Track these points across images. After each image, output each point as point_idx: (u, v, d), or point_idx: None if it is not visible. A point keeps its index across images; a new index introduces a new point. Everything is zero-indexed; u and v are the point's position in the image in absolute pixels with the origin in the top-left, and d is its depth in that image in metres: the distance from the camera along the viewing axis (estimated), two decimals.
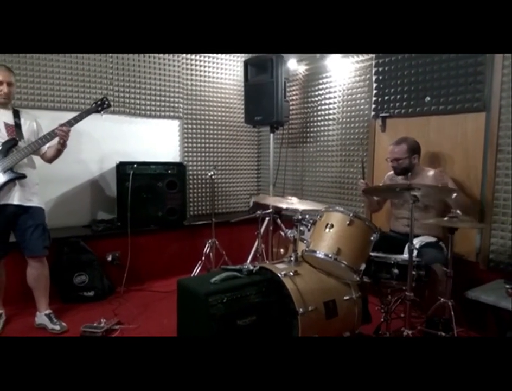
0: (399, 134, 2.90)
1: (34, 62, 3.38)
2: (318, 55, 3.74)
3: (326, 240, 2.23)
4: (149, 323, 2.81)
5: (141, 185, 3.58)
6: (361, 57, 3.41)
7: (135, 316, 2.91)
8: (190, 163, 4.24)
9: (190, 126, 4.24)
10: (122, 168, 3.55)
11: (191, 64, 4.18)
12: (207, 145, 4.36)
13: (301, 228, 2.48)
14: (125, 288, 3.36)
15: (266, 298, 2.17)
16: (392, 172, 2.82)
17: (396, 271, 2.20)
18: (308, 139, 4.03)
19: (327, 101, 3.78)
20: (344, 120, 3.61)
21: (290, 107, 4.02)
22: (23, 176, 2.52)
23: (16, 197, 2.52)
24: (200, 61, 4.23)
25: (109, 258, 3.47)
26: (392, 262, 2.23)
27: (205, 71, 4.27)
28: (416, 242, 2.40)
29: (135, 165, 3.57)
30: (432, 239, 2.57)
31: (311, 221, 2.45)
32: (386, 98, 3.18)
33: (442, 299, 2.26)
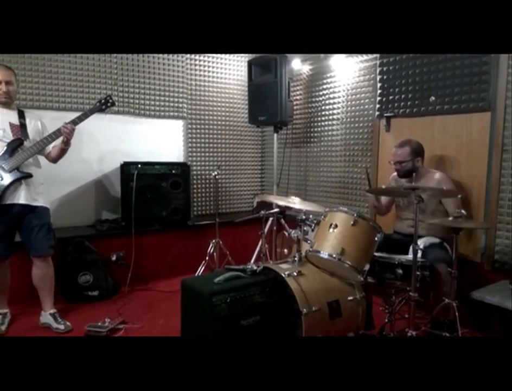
0: (403, 134, 2.89)
1: (39, 62, 3.40)
2: (322, 55, 3.74)
3: (330, 240, 2.23)
4: (153, 323, 2.82)
5: (146, 185, 3.59)
6: (365, 57, 3.40)
7: (140, 315, 2.91)
8: (194, 163, 4.25)
9: (194, 126, 4.24)
10: (126, 168, 3.56)
11: (195, 65, 4.18)
12: (211, 145, 4.37)
13: (305, 228, 2.48)
14: (129, 287, 3.38)
15: (269, 299, 2.17)
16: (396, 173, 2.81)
17: (400, 271, 2.20)
18: (312, 139, 4.02)
19: (331, 101, 3.77)
20: (348, 120, 3.60)
21: (294, 107, 4.02)
22: (29, 176, 2.53)
23: (21, 197, 2.53)
24: (204, 61, 4.23)
25: (114, 258, 3.48)
26: (396, 262, 2.22)
27: (209, 72, 4.27)
28: (420, 243, 2.38)
29: (139, 165, 3.58)
30: (436, 240, 2.55)
31: (315, 221, 2.45)
32: (390, 97, 3.17)
33: (446, 300, 2.25)
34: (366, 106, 3.43)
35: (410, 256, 2.20)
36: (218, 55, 4.30)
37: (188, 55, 4.12)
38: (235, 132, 4.52)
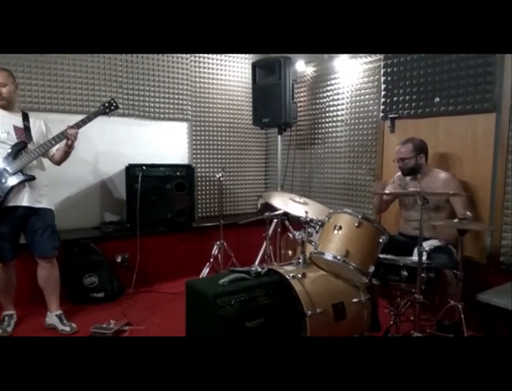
0: (408, 135, 2.87)
1: (44, 65, 3.42)
2: (326, 56, 3.74)
3: (335, 242, 2.23)
4: (158, 324, 2.82)
5: (150, 187, 3.60)
6: (369, 58, 3.39)
7: (144, 317, 2.92)
8: (199, 165, 4.26)
9: (198, 128, 4.25)
10: (131, 170, 3.58)
11: (199, 67, 4.20)
12: (215, 147, 4.38)
13: (309, 230, 2.47)
14: (134, 289, 3.39)
15: (274, 300, 2.17)
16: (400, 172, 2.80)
17: (405, 273, 2.19)
18: (316, 141, 4.02)
19: (335, 103, 3.77)
20: (352, 121, 3.60)
21: (298, 109, 4.02)
22: (32, 178, 2.55)
23: (25, 199, 2.55)
24: (208, 63, 4.25)
25: (119, 260, 3.49)
26: (401, 264, 2.21)
27: (213, 74, 4.29)
28: (426, 246, 2.37)
29: (144, 168, 3.59)
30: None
31: (319, 223, 2.44)
32: (395, 99, 3.17)
33: (452, 302, 2.23)
34: (370, 108, 3.42)
35: (415, 258, 2.20)
36: (222, 57, 4.31)
37: (192, 57, 4.13)
38: (239, 134, 4.53)
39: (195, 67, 4.17)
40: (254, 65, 3.92)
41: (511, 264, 2.55)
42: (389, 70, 3.20)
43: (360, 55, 3.42)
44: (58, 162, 2.74)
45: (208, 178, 4.34)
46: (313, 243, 2.35)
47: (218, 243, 3.55)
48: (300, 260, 2.38)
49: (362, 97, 3.50)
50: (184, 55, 4.07)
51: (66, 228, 3.52)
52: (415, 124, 3.07)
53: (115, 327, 2.62)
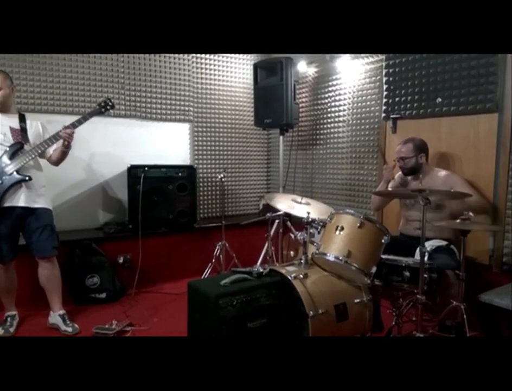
0: (410, 135, 2.87)
1: (47, 67, 3.43)
2: (327, 57, 3.74)
3: (337, 242, 2.22)
4: (160, 325, 2.83)
5: (152, 188, 3.61)
6: (371, 58, 3.39)
7: (146, 318, 2.92)
8: (200, 166, 4.26)
9: (200, 129, 4.26)
10: (133, 171, 3.58)
11: (201, 68, 4.20)
12: (217, 148, 4.38)
13: (311, 230, 2.47)
14: (136, 290, 3.39)
15: (276, 301, 2.17)
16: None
17: (407, 274, 2.18)
18: (318, 142, 4.02)
19: (337, 103, 3.76)
20: (354, 122, 3.59)
21: (300, 110, 4.02)
22: (29, 178, 2.55)
23: (21, 199, 2.55)
24: (210, 64, 4.25)
25: (121, 260, 3.50)
26: (403, 265, 2.20)
27: (215, 75, 4.29)
28: (427, 246, 2.37)
29: (146, 168, 3.60)
30: (443, 243, 2.54)
31: (321, 223, 2.44)
32: (397, 99, 3.16)
33: (454, 302, 2.23)
34: (372, 108, 3.42)
35: (417, 258, 2.19)
36: (224, 58, 4.32)
37: (194, 59, 4.14)
38: (241, 135, 4.53)
39: (197, 68, 4.18)
40: (256, 66, 3.93)
41: None
42: (391, 70, 3.20)
43: (362, 55, 3.42)
44: (56, 163, 2.74)
45: (209, 179, 4.35)
46: (315, 244, 2.36)
47: (220, 243, 3.55)
48: (302, 261, 2.38)
49: (364, 97, 3.49)
50: (185, 56, 4.08)
51: (68, 229, 3.53)
52: (417, 124, 3.07)
53: (117, 327, 2.62)
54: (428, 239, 2.48)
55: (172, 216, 3.73)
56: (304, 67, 3.97)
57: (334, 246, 2.21)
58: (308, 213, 2.49)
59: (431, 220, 2.43)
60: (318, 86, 3.97)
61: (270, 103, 3.76)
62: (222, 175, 3.55)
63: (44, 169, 2.81)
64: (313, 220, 2.46)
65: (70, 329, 2.66)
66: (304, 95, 4.14)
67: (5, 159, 2.51)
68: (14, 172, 2.51)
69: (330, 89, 3.82)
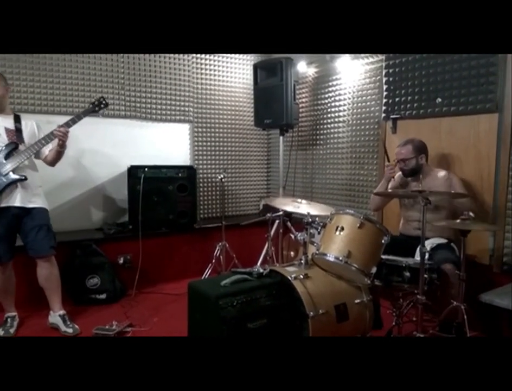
0: (410, 136, 2.87)
1: (47, 67, 3.43)
2: (327, 57, 3.74)
3: (337, 243, 2.22)
4: (160, 325, 2.83)
5: (152, 189, 3.61)
6: (371, 58, 3.39)
7: (147, 318, 2.92)
8: (200, 166, 4.27)
9: (200, 129, 4.26)
10: (133, 171, 3.58)
11: (201, 68, 4.20)
12: (217, 148, 4.39)
13: (311, 231, 2.47)
14: (136, 290, 3.39)
15: (276, 301, 2.17)
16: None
17: (407, 274, 2.18)
18: (318, 142, 4.02)
19: (337, 104, 3.77)
20: (354, 122, 3.59)
21: (300, 110, 4.02)
22: (24, 178, 2.56)
23: (17, 199, 2.56)
24: (210, 64, 4.25)
25: (121, 261, 3.50)
26: (403, 265, 2.20)
27: (215, 75, 4.29)
28: (427, 244, 2.37)
29: (146, 169, 3.60)
30: (443, 241, 2.54)
31: (321, 224, 2.44)
32: (397, 99, 3.16)
33: (454, 302, 2.23)
34: (372, 108, 3.42)
35: (417, 259, 2.19)
36: (224, 59, 4.32)
37: (194, 59, 4.14)
38: (241, 135, 4.53)
39: (197, 68, 4.18)
40: (256, 67, 3.93)
41: None
42: (391, 70, 3.20)
43: (362, 55, 3.42)
44: (52, 163, 2.74)
45: (209, 180, 4.35)
46: (315, 244, 2.35)
47: (220, 244, 3.55)
48: (302, 261, 2.37)
49: (364, 98, 3.49)
50: (185, 57, 4.08)
51: (68, 229, 3.54)
52: (417, 125, 3.06)
53: (118, 328, 2.62)
54: (427, 239, 2.48)
55: (172, 217, 3.73)
56: (304, 67, 3.97)
57: (335, 247, 2.21)
58: (309, 212, 2.49)
59: (430, 221, 2.43)
60: (318, 86, 3.97)
61: (270, 103, 3.76)
62: (222, 176, 3.55)
63: (44, 170, 2.81)
64: (313, 221, 2.46)
65: (70, 330, 2.66)
66: (303, 95, 4.14)
67: (0, 159, 2.51)
68: (10, 173, 2.51)
69: (330, 89, 3.83)
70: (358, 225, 2.19)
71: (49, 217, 2.73)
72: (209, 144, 4.33)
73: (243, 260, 3.54)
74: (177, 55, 4.02)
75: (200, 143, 4.27)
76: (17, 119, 2.66)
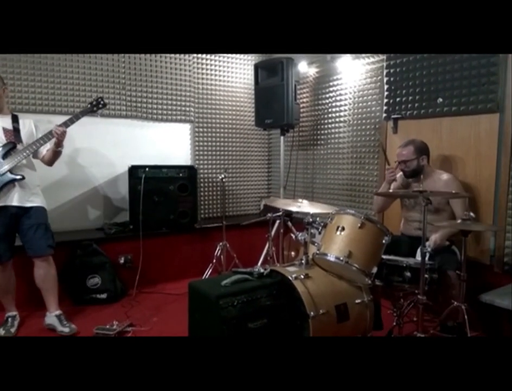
0: (411, 136, 2.87)
1: (48, 67, 3.44)
2: (328, 57, 3.74)
3: (337, 243, 2.22)
4: (161, 325, 2.83)
5: (153, 189, 3.61)
6: (372, 58, 3.39)
7: (147, 318, 2.93)
8: (201, 166, 4.27)
9: (201, 129, 4.26)
10: (134, 171, 3.59)
11: (202, 68, 4.20)
12: (218, 148, 4.39)
13: (312, 231, 2.47)
14: (137, 290, 3.39)
15: (276, 301, 2.17)
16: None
17: (408, 274, 2.18)
18: (319, 142, 4.02)
19: (338, 103, 3.76)
20: (355, 122, 3.59)
21: (301, 110, 4.02)
22: (22, 178, 2.56)
23: (15, 199, 2.56)
24: (211, 64, 4.25)
25: (122, 261, 3.50)
26: (404, 265, 2.20)
27: (216, 75, 4.29)
28: (428, 245, 2.36)
29: (147, 169, 3.60)
30: (445, 243, 2.53)
31: (322, 224, 2.44)
32: (398, 99, 3.16)
33: (455, 303, 2.23)
34: (373, 108, 3.42)
35: (418, 259, 2.19)
36: (225, 59, 4.32)
37: (195, 59, 4.14)
38: (241, 135, 4.53)
39: (198, 68, 4.18)
40: (257, 67, 3.93)
41: None
42: (391, 70, 3.20)
43: (363, 55, 3.42)
44: (49, 163, 2.75)
45: (210, 180, 4.35)
46: (315, 244, 2.35)
47: (220, 244, 3.55)
48: (303, 261, 2.37)
49: (365, 98, 3.49)
50: (186, 57, 4.08)
51: (69, 229, 3.54)
52: (418, 125, 3.06)
53: (118, 328, 2.63)
54: (428, 239, 2.48)
55: (173, 217, 3.73)
56: (305, 67, 3.97)
57: (335, 247, 2.21)
58: (309, 212, 2.49)
59: (430, 222, 2.43)
60: (319, 86, 3.97)
61: (271, 103, 3.76)
62: (222, 176, 3.55)
63: (46, 170, 2.82)
64: (314, 221, 2.46)
65: (67, 330, 2.64)
66: (304, 95, 4.14)
67: None
68: (7, 172, 2.52)
69: (331, 89, 3.82)
70: (359, 225, 2.19)
71: (47, 216, 2.73)
72: (209, 144, 4.33)
73: (244, 260, 3.54)
74: (178, 55, 4.02)
75: (201, 143, 4.27)
76: (15, 119, 2.66)
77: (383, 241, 2.21)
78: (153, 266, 3.58)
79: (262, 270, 2.30)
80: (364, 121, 3.50)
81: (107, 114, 3.63)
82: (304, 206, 2.82)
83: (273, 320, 2.14)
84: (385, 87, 3.26)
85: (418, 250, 2.19)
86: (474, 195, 2.68)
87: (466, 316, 2.16)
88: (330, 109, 3.86)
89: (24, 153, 2.57)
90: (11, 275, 2.71)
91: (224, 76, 4.35)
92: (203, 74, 4.21)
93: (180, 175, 3.78)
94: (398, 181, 2.85)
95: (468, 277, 2.23)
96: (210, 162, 4.34)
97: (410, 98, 3.07)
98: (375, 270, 2.18)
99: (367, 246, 2.20)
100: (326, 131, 3.92)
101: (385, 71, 3.26)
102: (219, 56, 4.29)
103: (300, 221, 2.67)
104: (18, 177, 2.55)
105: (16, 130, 2.63)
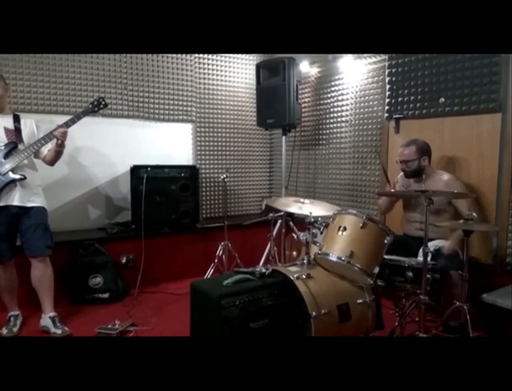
0: (413, 135, 2.87)
1: (50, 67, 3.44)
2: (330, 57, 3.73)
3: (339, 243, 2.22)
4: (162, 325, 2.83)
5: (155, 189, 3.61)
6: (374, 58, 3.39)
7: (149, 318, 2.93)
8: (203, 166, 4.27)
9: (202, 129, 4.26)
10: (136, 171, 3.59)
11: (204, 68, 4.20)
12: (219, 148, 4.39)
13: (314, 231, 2.47)
14: (139, 290, 3.40)
15: (278, 301, 2.17)
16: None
17: (410, 274, 2.18)
18: (320, 142, 4.01)
19: (339, 103, 3.76)
20: (357, 122, 3.59)
21: (303, 110, 4.02)
22: (24, 177, 2.56)
23: (16, 198, 2.56)
24: (212, 64, 4.25)
25: (124, 261, 3.50)
26: (406, 265, 2.20)
27: (217, 75, 4.30)
28: (430, 246, 2.36)
29: (149, 169, 3.61)
30: (447, 243, 2.53)
31: (324, 223, 2.44)
32: (399, 99, 3.16)
33: (457, 303, 2.22)
34: (375, 108, 3.41)
35: (420, 259, 2.18)
36: (227, 59, 4.32)
37: (197, 59, 4.14)
38: (243, 135, 4.53)
39: (199, 68, 4.18)
40: (258, 67, 3.93)
41: None
42: (393, 70, 3.19)
43: (365, 55, 3.42)
44: (51, 163, 2.75)
45: (212, 179, 4.35)
46: (317, 244, 2.35)
47: (222, 243, 3.55)
48: (305, 261, 2.37)
49: (367, 97, 3.49)
50: (188, 57, 4.08)
51: (71, 229, 3.55)
52: (420, 124, 3.06)
53: (120, 327, 2.63)
54: (430, 240, 2.47)
55: (174, 217, 3.74)
56: (307, 67, 3.97)
57: (337, 247, 2.21)
58: (311, 212, 2.49)
59: (431, 223, 2.42)
60: (321, 86, 3.96)
61: (273, 103, 3.76)
62: (224, 175, 3.55)
63: (47, 170, 2.82)
64: (316, 220, 2.46)
65: (59, 331, 2.61)
66: (306, 95, 4.14)
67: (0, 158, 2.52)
68: (9, 172, 2.52)
69: (333, 89, 3.82)
70: (361, 225, 2.19)
71: (47, 216, 2.73)
72: (211, 144, 4.33)
73: (246, 260, 3.54)
74: (179, 55, 4.02)
75: (202, 143, 4.27)
76: (16, 119, 2.66)
77: (385, 241, 2.21)
78: (155, 266, 3.58)
79: (264, 270, 2.29)
80: (366, 121, 3.50)
81: (108, 114, 3.63)
82: (305, 206, 2.82)
83: (275, 320, 2.14)
84: (387, 87, 3.25)
85: (420, 250, 2.19)
86: (477, 195, 2.67)
87: (468, 317, 2.16)
88: (331, 109, 3.85)
89: (26, 153, 2.57)
90: (12, 274, 2.71)
91: (225, 76, 4.35)
92: (204, 74, 4.22)
93: (182, 175, 3.78)
94: (399, 182, 2.85)
95: (471, 277, 2.22)
96: (211, 161, 4.34)
97: (412, 97, 3.07)
98: (376, 270, 2.18)
99: (369, 246, 2.20)
100: (328, 131, 3.92)
101: (387, 71, 3.25)
102: (221, 56, 4.29)
103: (302, 221, 2.66)
104: (20, 177, 2.55)
105: (18, 130, 2.63)
